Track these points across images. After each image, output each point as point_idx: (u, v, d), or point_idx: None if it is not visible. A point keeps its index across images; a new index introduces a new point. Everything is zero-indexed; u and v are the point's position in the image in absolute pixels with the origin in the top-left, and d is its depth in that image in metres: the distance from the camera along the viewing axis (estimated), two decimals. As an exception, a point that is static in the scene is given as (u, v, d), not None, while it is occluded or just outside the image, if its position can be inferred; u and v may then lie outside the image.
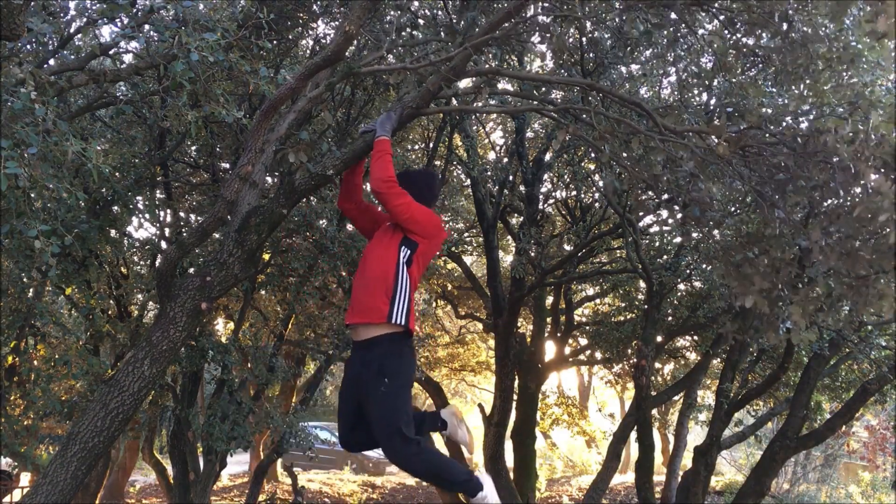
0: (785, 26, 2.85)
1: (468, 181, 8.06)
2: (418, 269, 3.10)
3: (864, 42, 2.86)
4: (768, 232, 2.69)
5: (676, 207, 3.43)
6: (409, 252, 3.03)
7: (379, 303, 2.94)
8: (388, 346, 2.94)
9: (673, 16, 3.33)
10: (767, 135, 2.79)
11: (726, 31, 3.20)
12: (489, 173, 7.55)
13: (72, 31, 3.57)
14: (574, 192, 8.21)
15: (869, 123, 2.32)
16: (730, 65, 3.21)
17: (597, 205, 8.02)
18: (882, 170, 2.29)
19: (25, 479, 8.76)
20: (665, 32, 3.45)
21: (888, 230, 2.28)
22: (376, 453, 18.84)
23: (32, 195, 2.65)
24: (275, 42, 4.69)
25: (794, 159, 2.57)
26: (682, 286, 8.13)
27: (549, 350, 9.97)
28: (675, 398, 10.32)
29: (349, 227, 5.93)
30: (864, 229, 2.39)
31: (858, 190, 2.43)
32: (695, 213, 2.94)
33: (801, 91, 2.82)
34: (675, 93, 5.38)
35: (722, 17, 3.18)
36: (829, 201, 2.57)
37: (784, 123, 3.05)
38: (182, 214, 6.48)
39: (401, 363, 2.94)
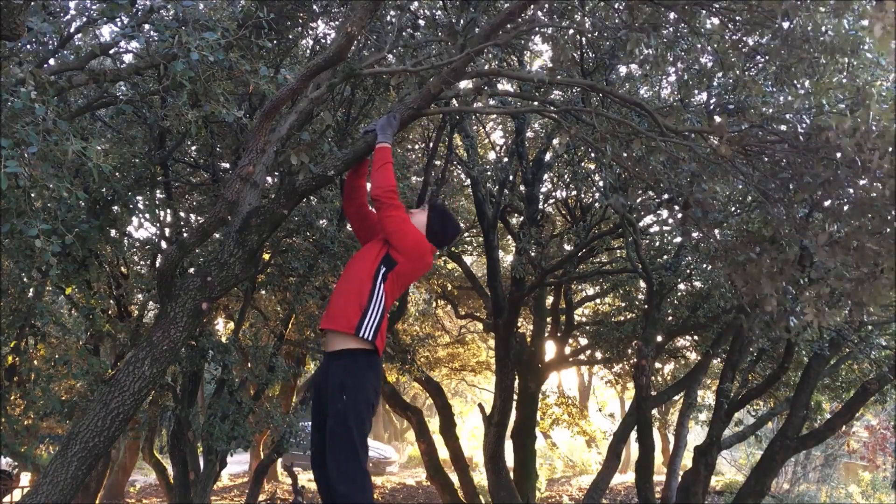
0: (786, 24, 2.85)
1: (468, 181, 8.07)
2: (393, 289, 3.04)
3: (864, 32, 2.85)
4: (770, 231, 2.68)
5: (676, 207, 3.42)
6: (385, 270, 3.00)
7: (350, 313, 2.91)
8: (352, 360, 2.90)
9: (673, 15, 3.33)
10: (769, 133, 2.78)
11: (729, 26, 3.20)
12: (489, 173, 7.55)
13: (72, 30, 3.56)
14: (574, 192, 8.21)
15: (869, 115, 2.31)
16: (730, 63, 3.21)
17: (597, 205, 8.02)
18: (885, 164, 2.28)
19: (25, 478, 8.76)
20: (665, 33, 3.45)
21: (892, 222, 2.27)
22: (376, 453, 18.84)
23: (33, 194, 2.65)
24: (275, 42, 4.69)
25: (797, 156, 2.57)
26: (682, 286, 8.13)
27: (549, 350, 9.97)
28: (675, 398, 10.32)
29: (349, 226, 5.93)
30: (872, 220, 2.37)
31: (864, 182, 2.43)
32: (696, 215, 2.93)
33: (804, 87, 2.82)
34: (675, 93, 5.38)
35: (721, 16, 3.18)
36: (834, 197, 2.56)
37: (787, 118, 3.04)
38: (182, 214, 6.47)
39: (362, 381, 2.89)
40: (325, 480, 2.93)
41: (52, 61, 3.50)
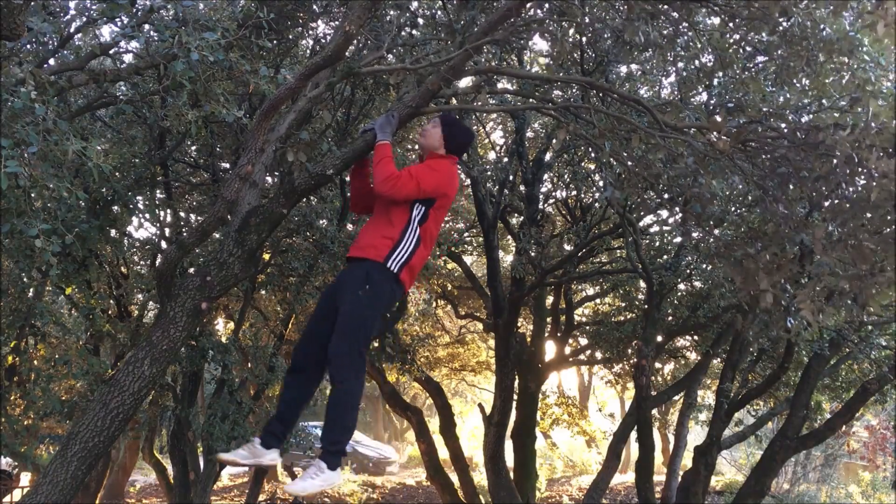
0: (784, 22, 2.85)
1: (468, 181, 8.06)
2: (436, 223, 3.10)
3: (863, 32, 2.85)
4: (769, 228, 2.69)
5: (676, 207, 3.43)
6: (423, 208, 3.04)
7: (380, 244, 2.97)
8: (378, 268, 2.95)
9: (674, 14, 3.33)
10: (768, 129, 2.79)
11: (729, 25, 3.20)
12: (489, 173, 7.55)
13: (72, 30, 3.57)
14: (574, 192, 8.21)
15: (869, 112, 2.32)
16: (730, 60, 3.22)
17: (597, 205, 8.03)
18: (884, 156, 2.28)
19: (25, 478, 8.77)
20: (665, 31, 3.45)
21: (892, 221, 2.28)
22: (376, 453, 18.79)
23: (33, 194, 2.66)
24: (275, 42, 4.69)
25: (796, 152, 2.58)
26: (682, 286, 8.13)
27: (549, 350, 9.97)
28: (675, 398, 10.32)
29: (349, 226, 5.94)
30: (871, 219, 2.38)
31: (863, 180, 2.43)
32: (695, 210, 2.93)
33: (802, 84, 2.83)
34: (675, 91, 5.38)
35: (722, 15, 3.18)
36: (833, 194, 2.57)
37: (786, 116, 3.04)
38: (182, 214, 6.48)
39: (384, 286, 2.95)
40: (297, 385, 3.03)
41: (52, 61, 3.51)
